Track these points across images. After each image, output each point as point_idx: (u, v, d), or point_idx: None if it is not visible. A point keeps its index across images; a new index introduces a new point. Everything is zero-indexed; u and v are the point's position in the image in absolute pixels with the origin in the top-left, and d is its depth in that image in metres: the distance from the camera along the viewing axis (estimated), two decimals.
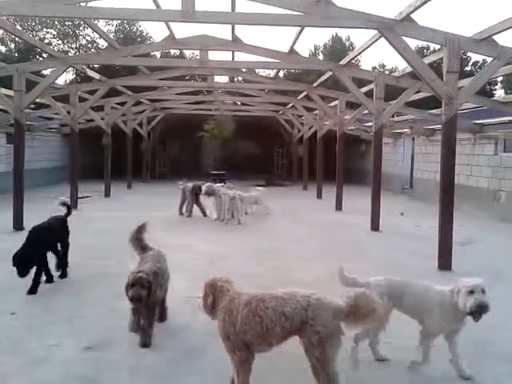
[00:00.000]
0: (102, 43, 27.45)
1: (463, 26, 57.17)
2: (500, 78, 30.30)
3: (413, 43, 33.43)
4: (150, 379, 3.74)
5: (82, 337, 4.45)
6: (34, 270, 5.75)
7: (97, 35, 26.35)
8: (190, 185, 12.55)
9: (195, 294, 5.78)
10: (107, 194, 17.05)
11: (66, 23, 28.63)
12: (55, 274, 6.35)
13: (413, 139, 18.71)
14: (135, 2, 24.59)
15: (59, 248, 6.58)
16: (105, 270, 6.90)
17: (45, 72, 18.29)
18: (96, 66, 20.24)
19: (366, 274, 6.90)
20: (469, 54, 28.04)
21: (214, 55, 44.19)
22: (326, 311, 3.17)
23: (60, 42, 29.71)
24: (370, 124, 16.36)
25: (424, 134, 16.82)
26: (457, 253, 7.31)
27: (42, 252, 5.95)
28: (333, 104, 16.26)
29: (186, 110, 22.03)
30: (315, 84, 14.64)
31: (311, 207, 15.02)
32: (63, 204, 7.02)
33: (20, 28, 24.58)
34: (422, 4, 6.72)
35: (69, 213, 7.02)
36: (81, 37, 29.74)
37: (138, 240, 5.15)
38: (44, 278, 6.04)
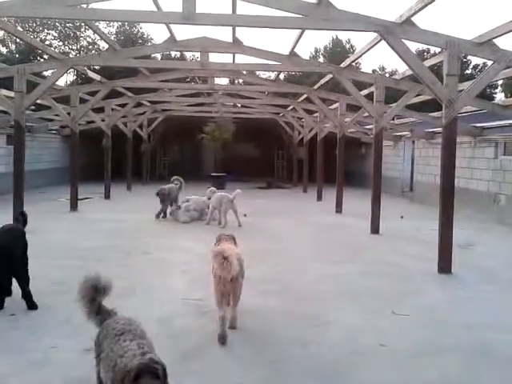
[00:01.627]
0: (103, 45, 27.48)
1: (463, 30, 57.28)
2: (500, 82, 30.30)
3: (413, 46, 33.43)
4: None
5: (81, 339, 4.43)
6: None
7: (98, 37, 26.37)
8: (166, 187, 12.33)
9: (193, 295, 5.81)
10: (107, 195, 17.04)
11: (67, 25, 28.66)
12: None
13: (413, 142, 18.71)
14: (136, 3, 24.62)
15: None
16: (103, 272, 6.87)
17: (45, 73, 18.31)
18: (97, 67, 20.24)
19: (365, 277, 6.93)
20: (469, 57, 28.07)
21: (215, 57, 44.17)
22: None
23: (61, 43, 29.77)
24: (370, 127, 16.36)
25: (424, 137, 16.81)
26: (457, 256, 7.31)
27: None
28: (333, 106, 16.26)
29: (187, 112, 22.03)
30: (316, 86, 14.64)
31: (311, 209, 15.01)
32: (21, 214, 5.86)
33: (21, 29, 24.60)
34: (423, 7, 6.72)
35: (24, 225, 5.76)
36: (82, 38, 29.82)
37: (94, 300, 3.44)
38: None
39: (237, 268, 4.50)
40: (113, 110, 17.81)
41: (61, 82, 24.38)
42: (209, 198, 11.74)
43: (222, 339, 4.38)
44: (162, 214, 12.11)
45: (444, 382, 3.81)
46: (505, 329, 4.94)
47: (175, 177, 12.94)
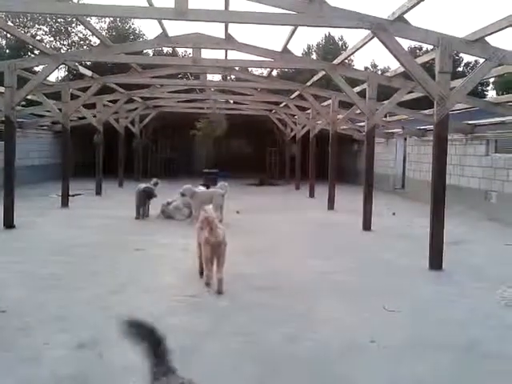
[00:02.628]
0: (95, 40, 27.27)
1: (456, 27, 57.47)
2: (492, 79, 30.45)
3: (405, 43, 33.56)
4: (142, 379, 3.72)
5: (73, 335, 4.42)
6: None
7: (89, 32, 26.16)
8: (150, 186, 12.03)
9: (187, 292, 5.80)
10: (98, 191, 16.97)
11: (58, 20, 28.43)
12: None
13: (405, 139, 18.78)
14: None
15: None
16: (96, 268, 6.86)
17: (36, 69, 18.16)
18: (88, 63, 20.12)
19: (357, 273, 6.95)
20: (461, 54, 28.16)
21: (207, 53, 44.10)
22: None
23: (52, 38, 29.51)
24: (362, 124, 16.40)
25: (416, 135, 16.88)
26: (448, 252, 7.35)
27: None
28: (326, 103, 16.27)
29: (179, 109, 21.95)
30: (308, 83, 14.65)
31: (303, 206, 15.04)
32: None
33: (11, 24, 24.38)
34: (415, 4, 6.74)
35: None
36: (73, 34, 29.57)
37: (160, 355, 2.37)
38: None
39: (219, 237, 5.66)
40: (104, 105, 17.71)
41: (52, 78, 24.21)
42: (183, 195, 11.15)
43: (208, 286, 5.81)
44: (145, 212, 11.74)
45: (435, 379, 3.83)
46: (495, 325, 4.98)
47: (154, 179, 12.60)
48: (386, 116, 16.92)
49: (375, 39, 7.55)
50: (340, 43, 35.27)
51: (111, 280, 6.28)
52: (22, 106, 16.44)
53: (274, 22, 7.46)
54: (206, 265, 5.89)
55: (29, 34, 25.88)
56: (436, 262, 7.16)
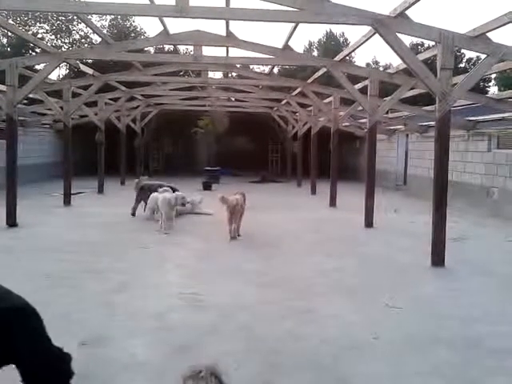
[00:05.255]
0: (96, 38, 27.26)
1: (457, 23, 57.34)
2: (494, 75, 30.39)
3: (407, 40, 33.46)
4: (144, 376, 3.73)
5: (77, 333, 4.43)
6: None
7: (90, 30, 26.16)
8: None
9: (190, 289, 5.81)
10: (100, 190, 16.98)
11: (60, 18, 28.42)
12: None
13: (407, 136, 18.75)
14: None
15: None
16: (99, 266, 6.88)
17: (38, 67, 18.17)
18: (89, 61, 20.12)
19: (359, 270, 6.96)
20: (463, 50, 28.09)
21: (208, 51, 44.01)
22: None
23: (53, 36, 29.50)
24: (364, 120, 16.37)
25: (418, 131, 16.85)
26: (450, 249, 7.35)
27: None
28: (327, 100, 16.24)
29: (180, 106, 21.94)
30: (310, 80, 14.62)
31: (305, 203, 15.03)
32: None
33: (13, 23, 24.37)
34: (417, 0, 6.72)
35: None
36: (74, 32, 29.55)
37: None
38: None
39: (233, 203, 8.59)
40: (106, 104, 17.72)
41: (53, 76, 24.21)
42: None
43: (232, 239, 8.75)
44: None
45: (437, 375, 3.83)
46: (497, 321, 4.98)
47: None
48: (387, 112, 16.89)
49: (376, 35, 7.54)
50: (341, 40, 35.15)
51: (115, 277, 6.29)
52: (24, 104, 16.44)
53: (275, 18, 7.46)
54: (228, 224, 8.72)
55: (30, 33, 25.87)
56: (438, 258, 7.15)
